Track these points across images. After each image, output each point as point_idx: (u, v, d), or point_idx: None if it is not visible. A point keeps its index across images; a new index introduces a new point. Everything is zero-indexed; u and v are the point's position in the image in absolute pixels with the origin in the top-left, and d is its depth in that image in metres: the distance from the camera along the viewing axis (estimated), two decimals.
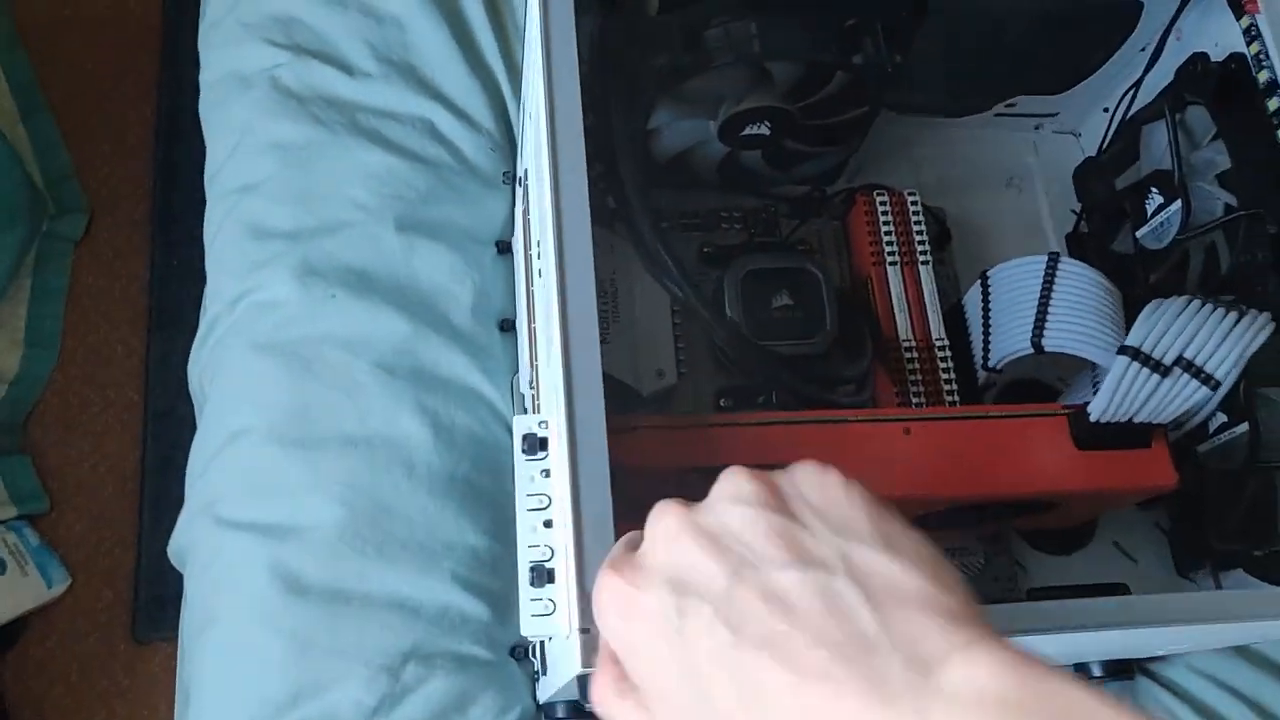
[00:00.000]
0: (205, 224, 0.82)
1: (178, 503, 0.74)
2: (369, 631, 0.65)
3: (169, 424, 1.21)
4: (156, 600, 1.16)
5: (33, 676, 1.18)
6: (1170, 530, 0.69)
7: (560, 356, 0.47)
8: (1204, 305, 0.55)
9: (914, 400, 0.66)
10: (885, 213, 0.71)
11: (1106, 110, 0.76)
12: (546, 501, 0.47)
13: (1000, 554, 0.67)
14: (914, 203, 0.71)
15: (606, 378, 0.64)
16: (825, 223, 0.74)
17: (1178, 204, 0.66)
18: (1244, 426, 0.61)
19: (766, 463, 0.53)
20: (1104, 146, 0.76)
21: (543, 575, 0.44)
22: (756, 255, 0.69)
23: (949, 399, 0.66)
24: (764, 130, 0.65)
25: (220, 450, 0.72)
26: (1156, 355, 0.54)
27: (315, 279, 0.74)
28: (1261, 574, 0.63)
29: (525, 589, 0.44)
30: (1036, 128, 0.81)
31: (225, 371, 0.74)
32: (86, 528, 1.25)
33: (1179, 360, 0.54)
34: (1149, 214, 0.69)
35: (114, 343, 1.31)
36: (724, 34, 0.60)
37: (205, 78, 0.85)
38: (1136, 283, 0.71)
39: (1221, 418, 0.63)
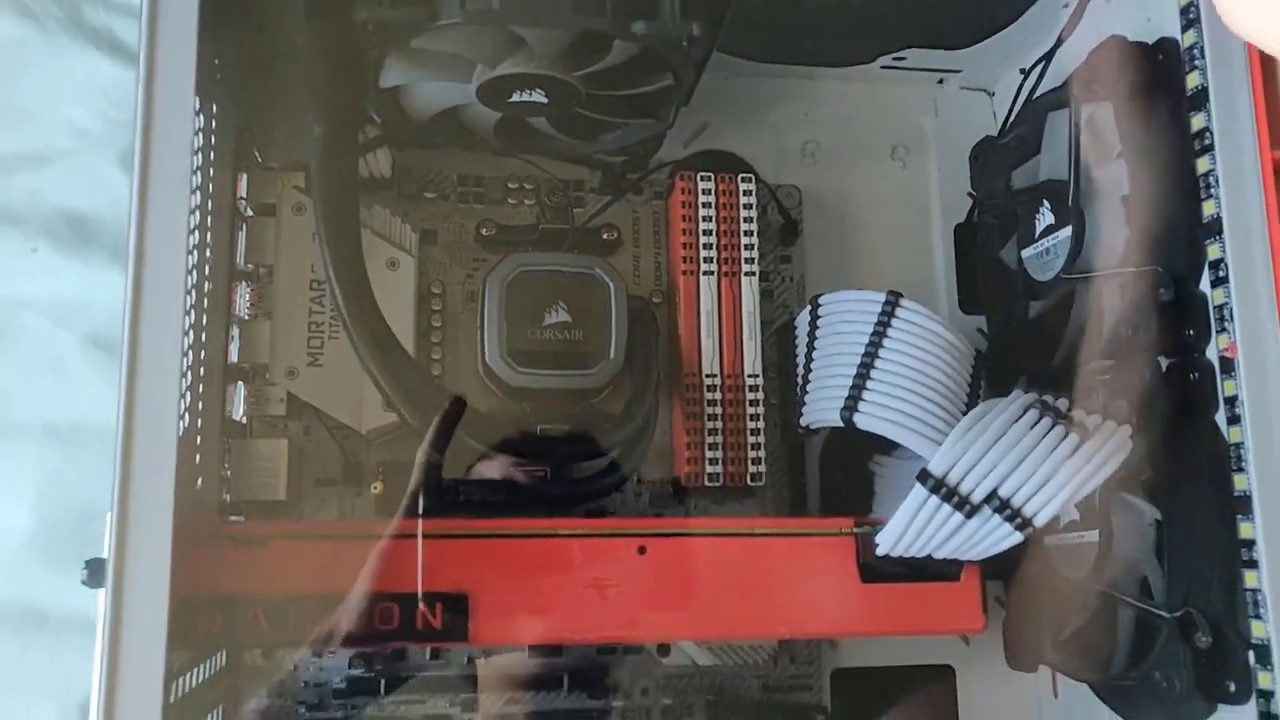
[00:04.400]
0: None
1: None
2: (64, 660, 0.56)
3: None
4: None
5: None
6: (1006, 615, 0.58)
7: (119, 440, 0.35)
8: (1037, 422, 0.41)
9: (710, 455, 0.53)
10: (708, 204, 0.56)
11: (1022, 72, 0.60)
12: None
13: None
14: (748, 191, 0.56)
15: (314, 413, 0.52)
16: (646, 201, 0.59)
17: (1067, 232, 0.51)
18: (1094, 534, 0.49)
19: (439, 590, 0.42)
20: (1007, 124, 0.60)
21: None
22: (533, 252, 0.54)
23: (755, 453, 0.54)
24: (539, 98, 0.50)
25: None
26: (963, 490, 0.41)
27: (10, 227, 0.60)
28: (1103, 695, 0.53)
29: None
30: (940, 82, 0.64)
31: None
32: None
33: (990, 497, 0.41)
34: (1036, 233, 0.54)
35: None
36: None
37: None
38: (1015, 310, 0.57)
39: (1074, 513, 0.51)
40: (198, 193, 0.45)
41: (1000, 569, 0.53)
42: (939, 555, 0.43)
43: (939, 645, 0.59)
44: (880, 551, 0.43)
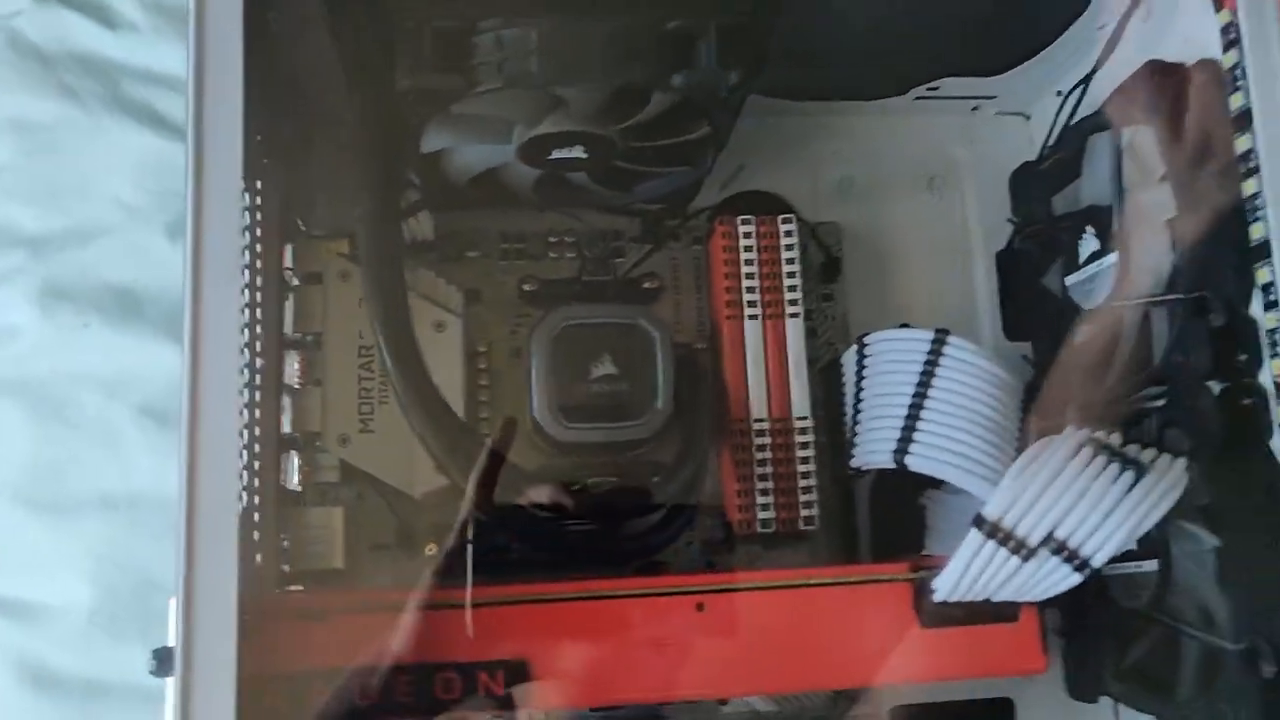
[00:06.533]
0: None
1: None
2: None
3: None
4: None
5: None
6: (1065, 646, 0.57)
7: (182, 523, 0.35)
8: (1091, 461, 0.41)
9: (761, 501, 0.53)
10: (749, 247, 0.56)
11: (1059, 94, 0.59)
12: None
13: None
14: (789, 232, 0.56)
15: (367, 479, 0.52)
16: (685, 248, 0.59)
17: (1113, 258, 0.51)
18: (1153, 564, 0.49)
19: (495, 656, 0.42)
20: (1046, 149, 0.59)
21: None
22: (577, 306, 0.54)
23: (805, 496, 0.53)
24: (578, 154, 0.50)
25: None
26: (1019, 534, 0.40)
27: (63, 303, 0.62)
28: None
29: None
30: (974, 109, 0.64)
31: None
32: None
33: (1047, 539, 0.40)
34: (1081, 259, 0.54)
35: None
36: (495, 44, 0.44)
37: None
38: (1062, 338, 0.56)
39: (1132, 544, 0.50)
40: (247, 270, 0.46)
41: (1058, 599, 0.52)
42: (997, 598, 0.42)
43: (999, 679, 0.58)
44: (938, 598, 0.43)
